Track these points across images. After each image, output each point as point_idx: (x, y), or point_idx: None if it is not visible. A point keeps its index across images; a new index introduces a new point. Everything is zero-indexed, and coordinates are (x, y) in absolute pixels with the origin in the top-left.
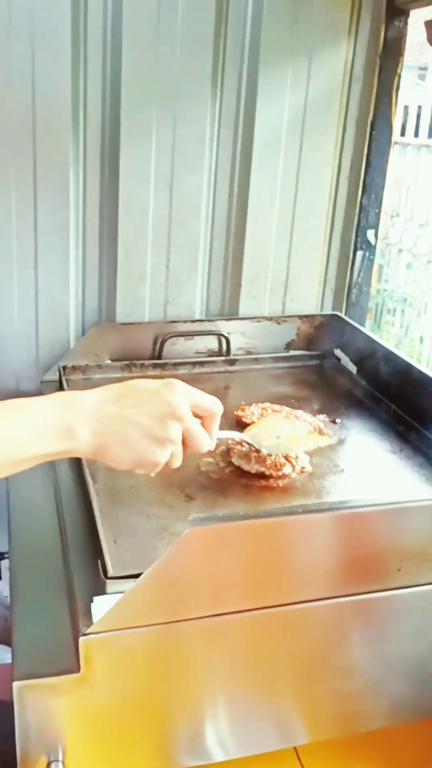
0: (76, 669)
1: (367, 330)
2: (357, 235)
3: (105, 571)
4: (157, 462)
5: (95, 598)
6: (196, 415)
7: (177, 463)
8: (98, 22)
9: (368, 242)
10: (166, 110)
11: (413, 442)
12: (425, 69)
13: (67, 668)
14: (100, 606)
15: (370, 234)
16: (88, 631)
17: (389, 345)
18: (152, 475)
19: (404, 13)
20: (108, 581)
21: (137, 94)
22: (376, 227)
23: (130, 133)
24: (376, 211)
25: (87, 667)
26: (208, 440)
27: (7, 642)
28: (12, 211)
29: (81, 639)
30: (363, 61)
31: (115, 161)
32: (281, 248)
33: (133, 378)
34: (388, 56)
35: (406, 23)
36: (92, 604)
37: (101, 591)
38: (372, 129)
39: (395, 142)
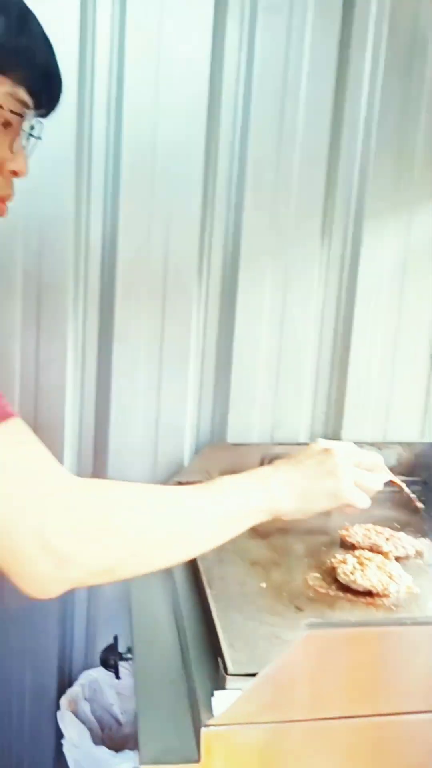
0: (197, 758)
1: None
2: None
3: (225, 668)
4: (341, 489)
5: (216, 693)
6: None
7: (365, 500)
8: (225, 189)
9: None
10: (279, 258)
11: None
12: None
13: (189, 757)
14: (221, 700)
15: None
16: (209, 723)
17: None
18: (362, 506)
19: None
20: (228, 677)
21: (255, 247)
22: None
23: (247, 277)
24: None
25: (207, 758)
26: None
27: (116, 747)
28: (141, 345)
29: (203, 730)
30: None
31: (233, 301)
32: (384, 379)
33: None
34: None
35: None
36: (213, 699)
37: (221, 686)
38: None
39: None
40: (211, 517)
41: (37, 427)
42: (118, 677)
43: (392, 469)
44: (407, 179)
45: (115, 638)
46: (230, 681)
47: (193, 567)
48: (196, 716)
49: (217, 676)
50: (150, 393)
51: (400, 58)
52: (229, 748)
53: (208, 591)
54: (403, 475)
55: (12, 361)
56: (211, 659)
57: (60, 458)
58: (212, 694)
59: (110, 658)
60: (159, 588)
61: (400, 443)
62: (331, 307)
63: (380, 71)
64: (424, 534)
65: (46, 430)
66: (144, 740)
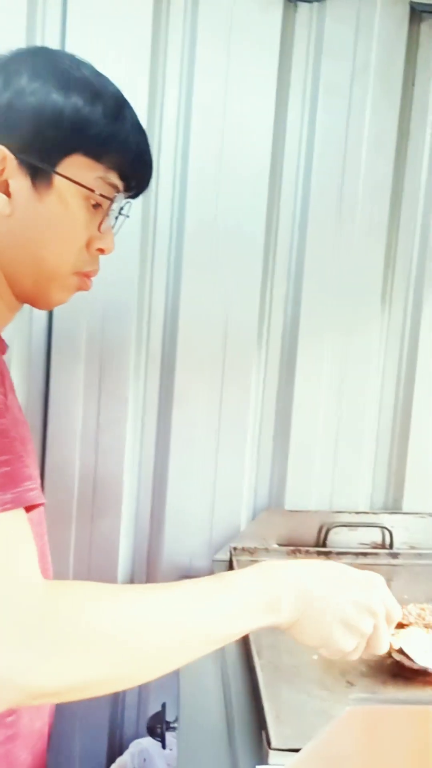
0: None
1: None
2: None
3: (269, 741)
4: (344, 650)
5: (257, 767)
6: None
7: (356, 656)
8: (285, 258)
9: None
10: (339, 326)
11: None
12: None
13: None
14: None
15: None
16: None
17: None
18: (316, 657)
19: None
20: (271, 752)
21: (314, 316)
22: None
23: (306, 345)
24: None
25: None
26: (387, 643)
27: None
28: (200, 406)
29: None
30: None
31: (292, 368)
32: None
33: None
34: None
35: None
36: None
37: (264, 761)
38: None
39: None
40: (205, 621)
41: (95, 488)
42: (164, 747)
43: None
44: None
45: (163, 706)
46: (273, 756)
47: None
48: None
49: (261, 751)
50: (208, 457)
51: None
52: None
53: (256, 660)
54: None
55: (74, 422)
56: (256, 732)
57: (117, 519)
58: None
59: (157, 727)
60: (209, 655)
61: None
62: (392, 375)
63: None
64: None
65: (104, 491)
66: None
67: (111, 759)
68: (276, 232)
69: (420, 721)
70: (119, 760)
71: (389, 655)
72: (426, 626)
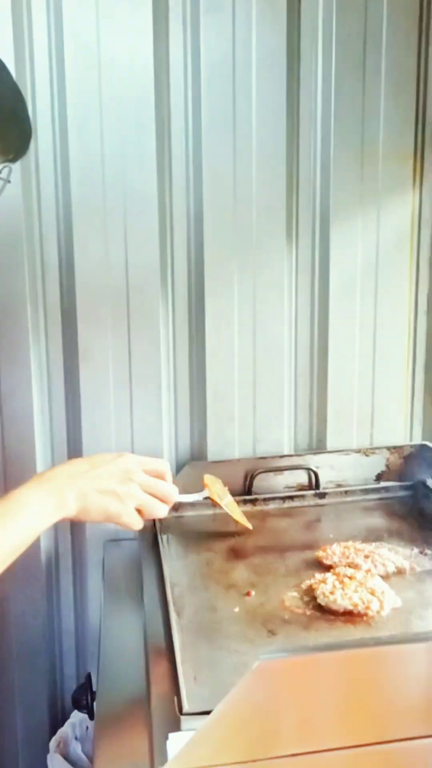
0: None
1: None
2: None
3: (180, 707)
4: (120, 515)
5: (170, 735)
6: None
7: (138, 524)
8: (182, 194)
9: None
10: (245, 264)
11: None
12: None
13: None
14: (175, 743)
15: None
16: None
17: None
18: (135, 529)
19: None
20: (183, 717)
21: (218, 252)
22: None
23: (214, 287)
24: None
25: None
26: (160, 505)
27: None
28: (108, 364)
29: None
30: (430, 205)
31: (201, 313)
32: (365, 383)
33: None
34: None
35: None
36: (168, 742)
37: (177, 728)
38: None
39: None
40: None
41: (6, 462)
42: (92, 718)
43: (382, 475)
44: (372, 172)
45: (88, 677)
46: (186, 721)
47: (162, 596)
48: (152, 762)
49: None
50: (122, 415)
51: (352, 49)
52: None
53: (173, 620)
54: (393, 480)
55: None
56: (173, 697)
57: None
58: (167, 737)
59: (82, 699)
60: (130, 620)
61: (387, 448)
62: (305, 313)
63: (333, 63)
64: (413, 542)
65: (16, 464)
66: None
67: (54, 730)
68: (169, 170)
69: (330, 668)
70: (60, 732)
71: (314, 598)
72: (350, 565)
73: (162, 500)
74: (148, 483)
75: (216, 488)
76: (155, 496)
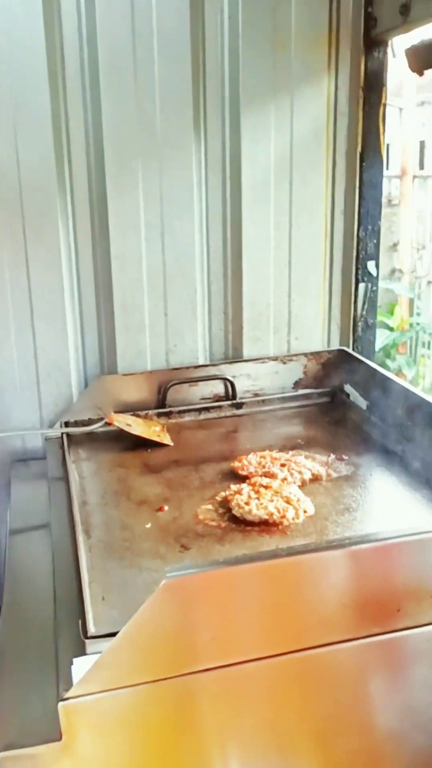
0: (58, 737)
1: (374, 364)
2: (357, 268)
3: (85, 631)
4: None
5: (75, 660)
6: None
7: None
8: (77, 81)
9: (369, 274)
10: (150, 160)
11: (422, 475)
12: None
13: (50, 736)
14: (80, 668)
15: (370, 265)
16: (67, 695)
17: (397, 378)
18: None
19: (383, 44)
20: (88, 641)
21: (120, 148)
22: (376, 258)
23: (117, 185)
24: (375, 242)
25: (69, 735)
26: None
27: None
28: (5, 272)
29: (60, 704)
30: (346, 94)
31: (104, 214)
32: (281, 287)
33: None
34: (370, 88)
35: (385, 53)
36: (72, 666)
37: (82, 652)
38: (362, 161)
39: (415, 176)
40: None
41: None
42: None
43: (300, 382)
44: (284, 58)
45: None
46: (92, 645)
47: (69, 516)
48: (58, 688)
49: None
50: (23, 328)
51: None
52: (96, 722)
53: (81, 540)
54: (311, 387)
55: None
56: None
57: None
58: (72, 662)
59: None
60: (37, 544)
61: (305, 354)
62: (217, 213)
63: None
64: (331, 449)
65: None
66: (2, 721)
67: None
68: (61, 53)
69: (235, 583)
70: None
71: (229, 510)
72: (266, 474)
73: None
74: None
75: (122, 420)
76: None
